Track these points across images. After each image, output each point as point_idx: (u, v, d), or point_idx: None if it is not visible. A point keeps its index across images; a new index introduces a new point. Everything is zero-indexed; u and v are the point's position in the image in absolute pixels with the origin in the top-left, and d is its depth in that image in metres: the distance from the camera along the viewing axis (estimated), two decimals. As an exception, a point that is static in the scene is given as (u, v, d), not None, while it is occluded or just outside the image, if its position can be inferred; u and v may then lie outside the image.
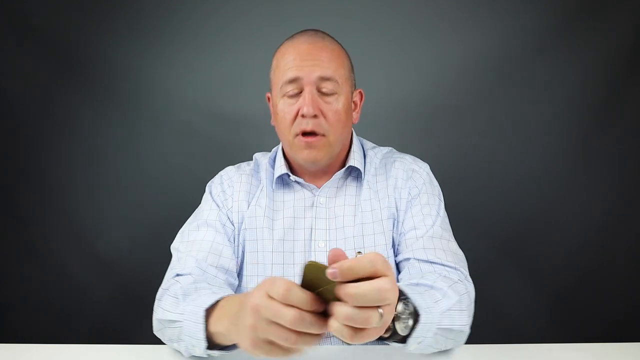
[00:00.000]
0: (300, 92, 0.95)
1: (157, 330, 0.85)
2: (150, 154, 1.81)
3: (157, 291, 0.89)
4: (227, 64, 1.80)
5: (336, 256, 0.51)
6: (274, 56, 1.02)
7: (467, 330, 0.80)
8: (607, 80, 1.75)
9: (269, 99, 1.06)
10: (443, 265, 0.89)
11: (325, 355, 0.88)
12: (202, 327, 0.72)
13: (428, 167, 1.08)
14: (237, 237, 1.00)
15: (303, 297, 0.51)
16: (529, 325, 1.74)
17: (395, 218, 1.00)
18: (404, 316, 0.64)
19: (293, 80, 0.95)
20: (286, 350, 0.54)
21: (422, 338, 0.70)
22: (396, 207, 1.01)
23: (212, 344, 0.73)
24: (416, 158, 1.09)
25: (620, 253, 1.78)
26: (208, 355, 0.76)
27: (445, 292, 0.79)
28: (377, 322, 0.50)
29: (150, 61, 1.79)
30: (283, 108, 0.97)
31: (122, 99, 1.80)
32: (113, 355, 0.87)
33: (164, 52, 1.79)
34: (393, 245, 0.99)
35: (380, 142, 1.16)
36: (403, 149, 1.15)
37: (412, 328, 0.67)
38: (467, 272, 0.90)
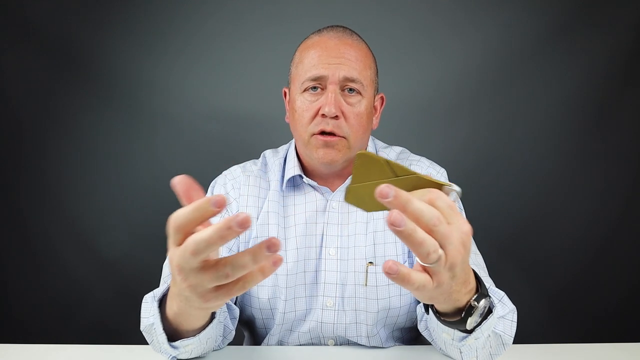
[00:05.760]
0: (323, 89, 0.92)
1: (150, 343, 0.78)
2: (150, 153, 1.81)
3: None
4: (227, 64, 1.80)
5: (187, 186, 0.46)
6: (297, 49, 0.97)
7: (510, 343, 0.77)
8: (607, 80, 1.75)
9: (285, 94, 1.02)
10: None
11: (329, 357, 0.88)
12: (158, 318, 0.67)
13: (446, 172, 1.03)
14: (247, 245, 0.95)
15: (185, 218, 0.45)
16: (528, 325, 1.74)
17: None
18: (479, 311, 0.58)
19: (317, 78, 0.91)
20: (229, 287, 0.47)
21: (481, 335, 0.66)
22: None
23: (176, 336, 0.70)
24: (433, 162, 1.04)
25: (621, 253, 1.78)
26: (175, 355, 0.72)
27: (502, 298, 0.78)
28: (433, 254, 0.44)
29: (150, 61, 1.79)
30: (302, 105, 0.93)
31: (122, 99, 1.79)
32: (113, 355, 0.87)
33: (164, 52, 1.79)
34: (410, 255, 0.94)
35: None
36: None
37: (480, 323, 0.63)
38: None
